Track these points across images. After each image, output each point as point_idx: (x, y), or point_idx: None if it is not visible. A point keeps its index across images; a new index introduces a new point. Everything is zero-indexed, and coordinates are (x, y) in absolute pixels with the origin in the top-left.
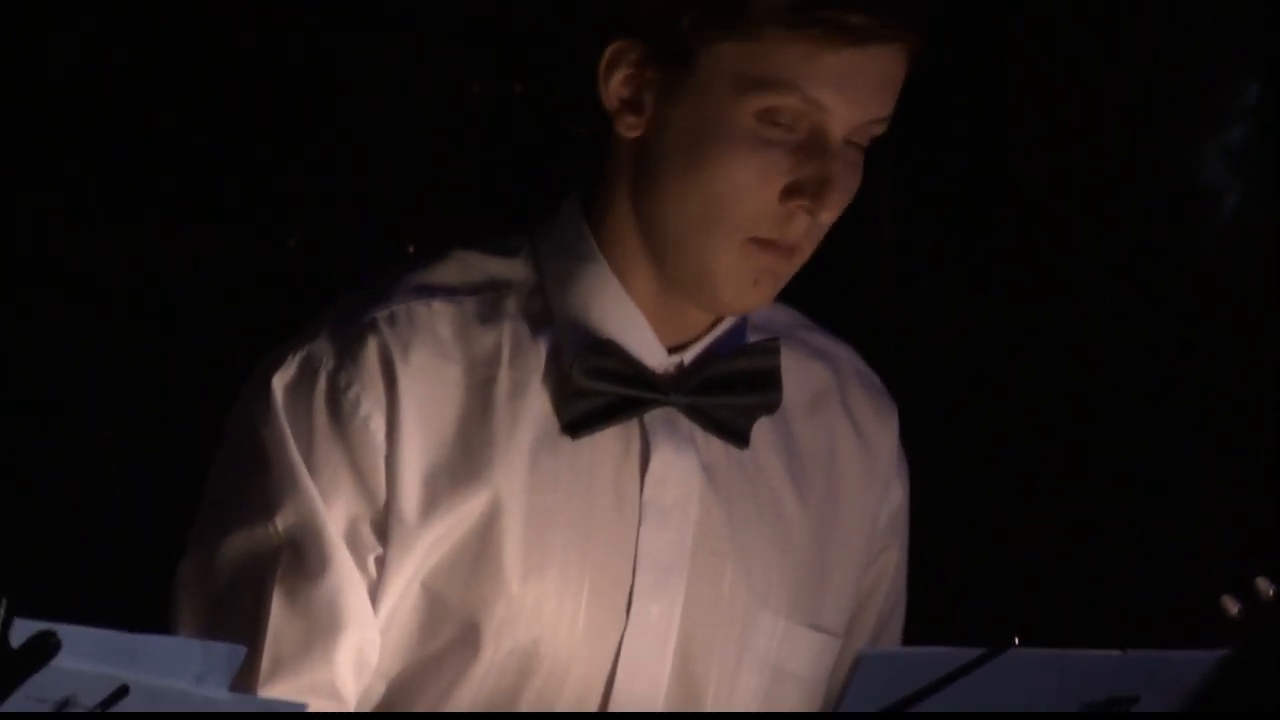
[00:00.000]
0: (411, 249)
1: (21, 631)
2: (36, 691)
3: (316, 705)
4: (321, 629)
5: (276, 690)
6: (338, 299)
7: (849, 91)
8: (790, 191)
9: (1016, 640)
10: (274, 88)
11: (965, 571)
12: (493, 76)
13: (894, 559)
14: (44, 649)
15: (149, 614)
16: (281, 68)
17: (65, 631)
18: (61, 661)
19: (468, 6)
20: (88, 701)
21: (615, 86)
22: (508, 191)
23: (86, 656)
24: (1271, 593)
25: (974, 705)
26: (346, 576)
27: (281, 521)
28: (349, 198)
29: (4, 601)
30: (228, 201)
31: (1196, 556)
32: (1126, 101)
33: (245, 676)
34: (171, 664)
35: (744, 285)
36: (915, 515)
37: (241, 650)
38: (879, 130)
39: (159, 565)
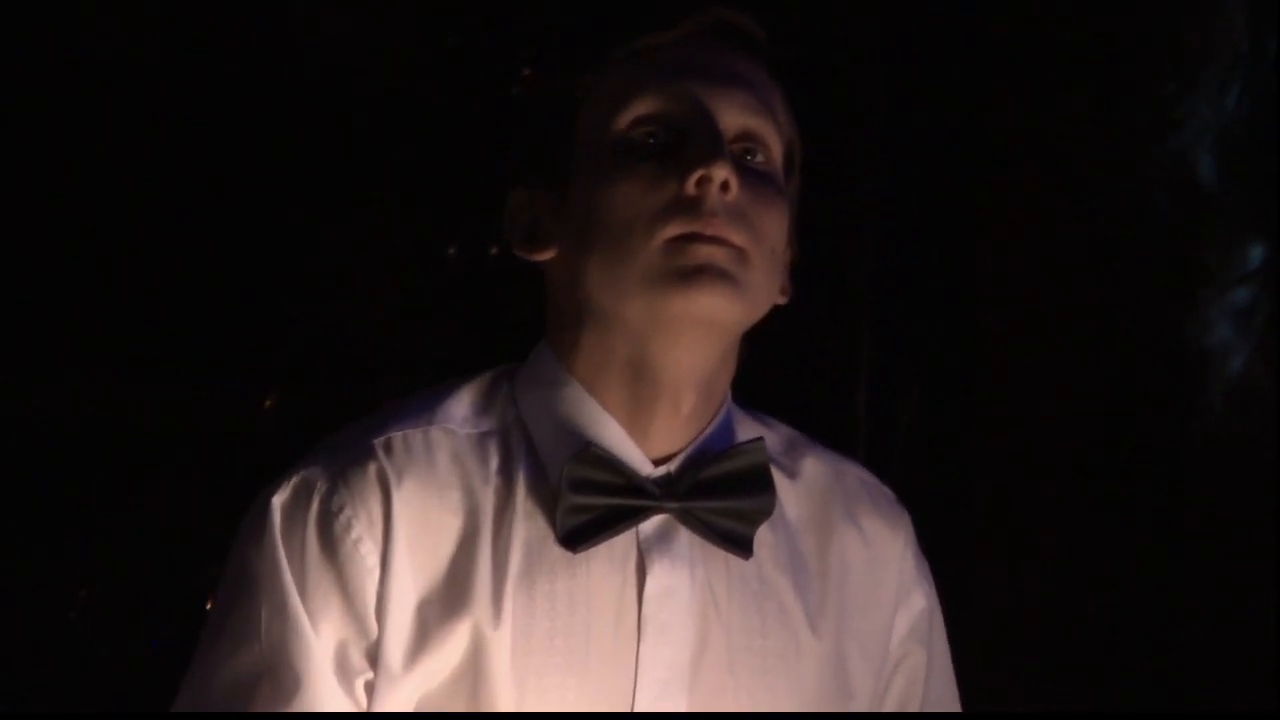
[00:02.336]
0: None
1: None
2: None
3: None
4: None
5: None
6: (334, 433)
7: (695, 78)
8: (683, 175)
9: None
10: (254, 250)
11: None
12: (469, 239)
13: (923, 662)
14: None
15: None
16: (259, 233)
17: None
18: None
19: (443, 173)
20: None
21: (521, 230)
22: (483, 351)
23: None
24: None
25: None
26: (323, 699)
27: (268, 642)
28: (324, 360)
29: None
30: (206, 362)
31: None
32: (1129, 259)
33: None
34: None
35: (687, 282)
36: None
37: None
38: (767, 150)
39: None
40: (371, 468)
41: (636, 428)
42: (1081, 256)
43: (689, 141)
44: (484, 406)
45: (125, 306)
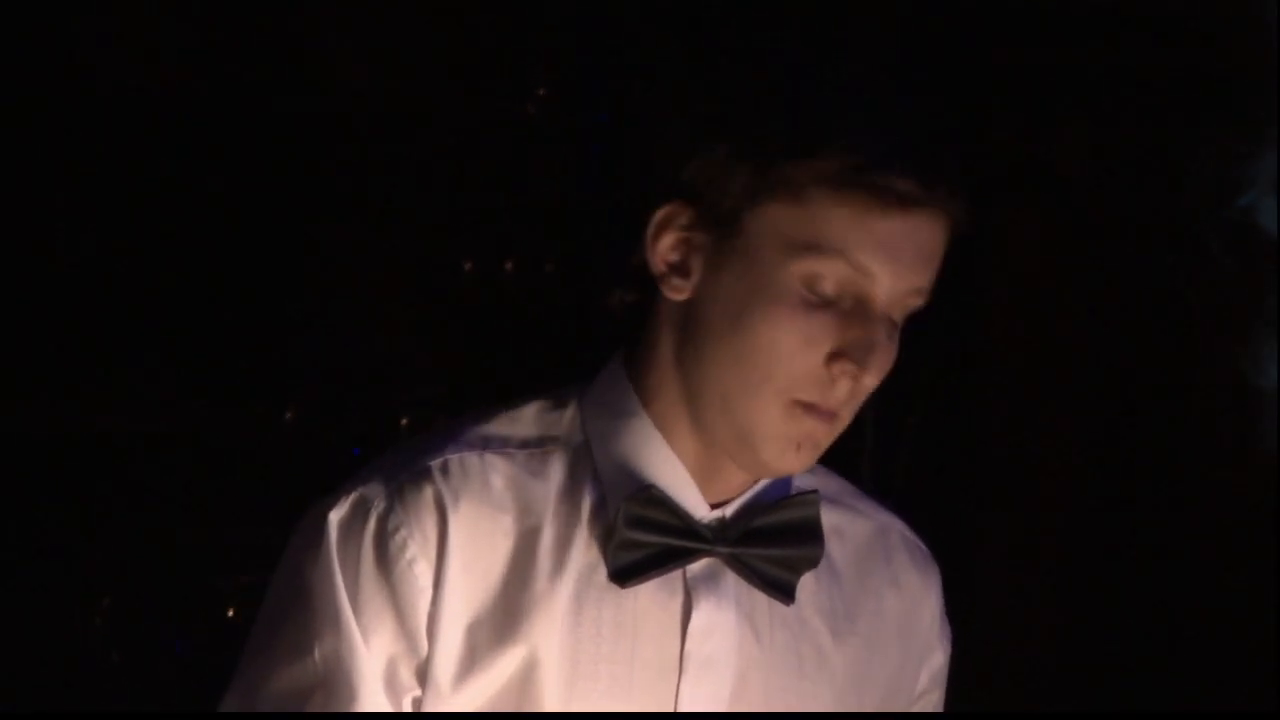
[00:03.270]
0: (405, 422)
1: None
2: None
3: None
4: None
5: None
6: (393, 447)
7: (894, 258)
8: (835, 356)
9: None
10: (272, 265)
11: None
12: (485, 255)
13: (932, 702)
14: None
15: None
16: (278, 246)
17: None
18: None
19: (460, 187)
20: None
21: (663, 250)
22: (498, 364)
23: None
24: None
25: None
26: (376, 711)
27: (319, 655)
28: (343, 373)
29: None
30: (229, 376)
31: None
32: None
33: None
34: None
35: (785, 448)
36: None
37: None
38: (916, 302)
39: None
40: (428, 490)
41: (700, 473)
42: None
43: (858, 321)
44: (548, 426)
45: (149, 322)
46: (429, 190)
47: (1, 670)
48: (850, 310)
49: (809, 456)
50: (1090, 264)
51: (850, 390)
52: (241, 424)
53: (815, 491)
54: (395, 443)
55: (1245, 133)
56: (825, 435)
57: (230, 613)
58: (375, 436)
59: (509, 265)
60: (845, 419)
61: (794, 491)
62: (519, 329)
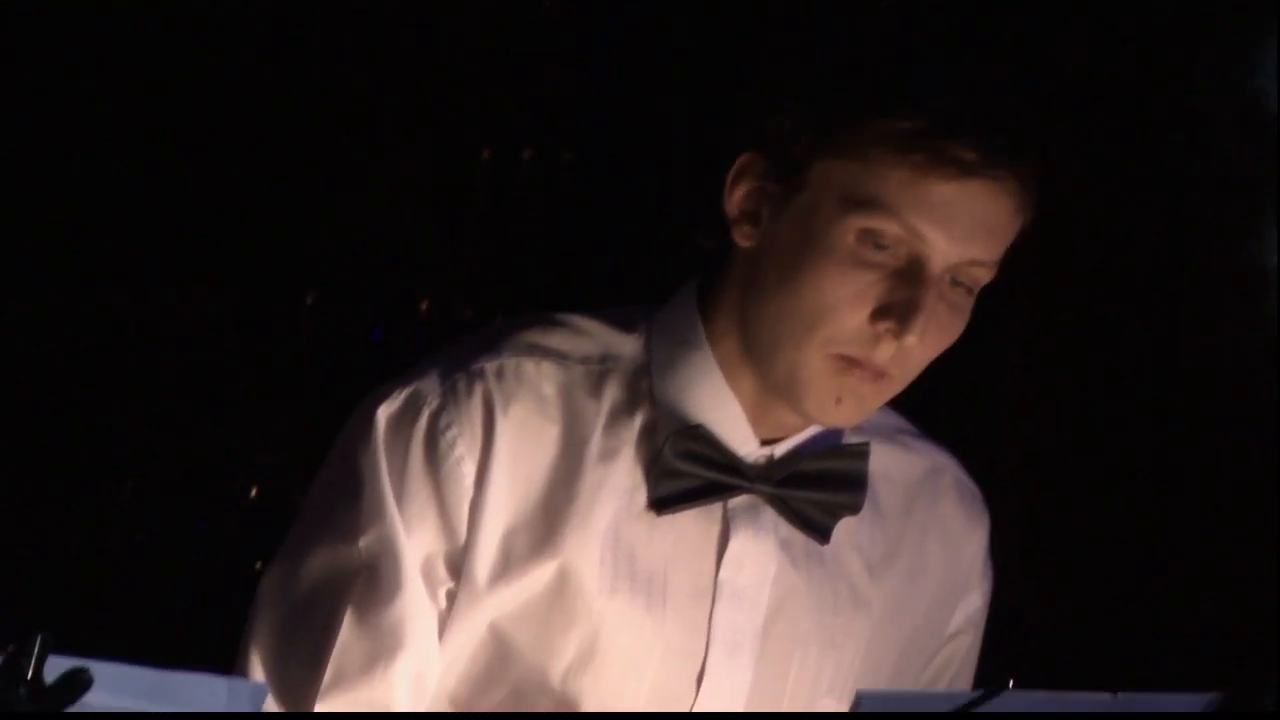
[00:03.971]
0: (424, 306)
1: (55, 667)
2: None
3: None
4: (385, 650)
5: (333, 701)
6: (449, 345)
7: (949, 224)
8: (879, 313)
9: (1011, 683)
10: (294, 150)
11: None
12: (504, 143)
13: (964, 645)
14: (76, 685)
15: (178, 651)
16: (300, 132)
17: (97, 668)
18: (94, 697)
19: (478, 77)
20: None
21: (738, 198)
22: (516, 251)
23: (116, 692)
24: None
25: None
26: (416, 604)
27: (364, 544)
28: (364, 258)
29: (40, 638)
30: (249, 263)
31: (1188, 602)
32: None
33: (306, 684)
34: (199, 700)
35: (826, 401)
36: None
37: (265, 689)
38: (983, 276)
39: (184, 606)
40: (480, 391)
41: (755, 411)
42: (1096, 165)
43: (908, 283)
44: (612, 344)
45: (171, 206)
46: (448, 79)
47: (30, 556)
48: (902, 271)
49: (853, 411)
50: (1097, 146)
51: (895, 351)
52: (264, 308)
53: (867, 444)
54: (413, 327)
55: (1257, 12)
56: (871, 393)
57: (253, 492)
58: (395, 321)
59: (527, 154)
60: (897, 380)
61: (847, 440)
62: (537, 217)
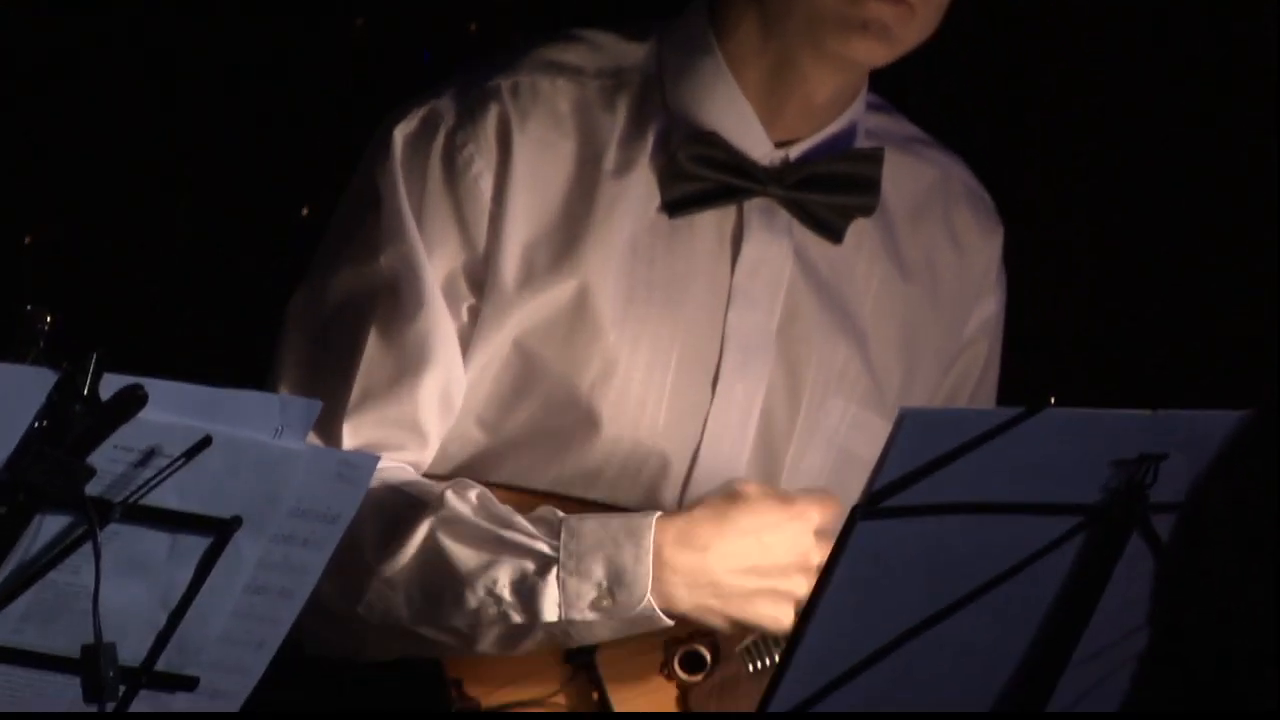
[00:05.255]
0: (473, 28)
1: (111, 385)
2: (124, 441)
3: (397, 438)
4: (410, 365)
5: (362, 419)
6: (464, 65)
7: None
8: None
9: (1052, 400)
10: None
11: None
12: None
13: (980, 356)
14: (132, 401)
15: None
16: None
17: (152, 385)
18: (148, 414)
19: None
20: (172, 451)
21: None
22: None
23: (171, 409)
24: None
25: (1011, 463)
26: (439, 319)
27: (385, 262)
28: None
29: (95, 356)
30: None
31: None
32: None
33: (335, 403)
34: (252, 417)
35: (850, 31)
36: None
37: (317, 405)
38: None
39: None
40: (495, 109)
41: (767, 110)
42: None
43: None
44: (625, 56)
45: None
46: None
47: (89, 273)
48: None
49: (878, 44)
50: None
51: None
52: (313, 31)
53: (881, 148)
54: (463, 50)
55: None
56: (895, 21)
57: (305, 211)
58: (444, 42)
59: None
60: (921, 13)
61: (860, 145)
62: None
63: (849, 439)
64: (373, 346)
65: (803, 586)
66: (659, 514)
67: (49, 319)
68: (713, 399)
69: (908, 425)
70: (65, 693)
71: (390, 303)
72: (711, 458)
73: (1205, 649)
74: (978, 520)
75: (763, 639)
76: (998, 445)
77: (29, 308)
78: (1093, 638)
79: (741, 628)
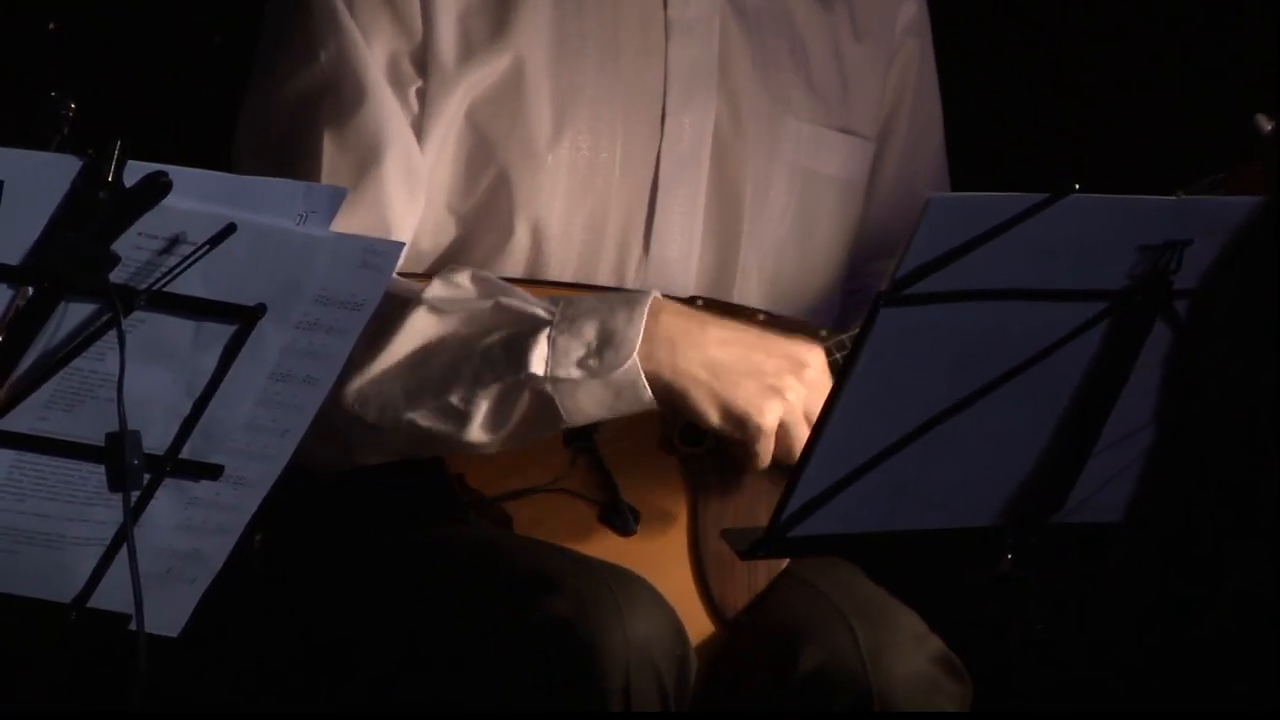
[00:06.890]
0: None
1: (135, 172)
2: (149, 229)
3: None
4: (370, 156)
5: (340, 221)
6: None
7: None
8: None
9: (1077, 186)
10: None
11: (1019, 133)
12: None
13: (913, 56)
14: (156, 188)
15: None
16: None
17: (176, 172)
18: (172, 201)
19: None
20: (197, 238)
21: None
22: None
23: (196, 196)
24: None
25: (1037, 250)
26: (387, 106)
27: (325, 58)
28: None
29: (119, 143)
30: None
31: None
32: None
33: None
34: (276, 204)
35: None
36: (963, 79)
37: (343, 191)
38: None
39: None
40: None
41: None
42: None
43: None
44: None
45: None
46: None
47: (114, 61)
48: None
49: None
50: None
51: None
52: None
53: None
54: None
55: None
56: None
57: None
58: None
59: None
60: None
61: None
62: None
63: (810, 158)
64: (330, 147)
65: (793, 388)
66: (659, 292)
67: (73, 106)
68: (662, 135)
69: (932, 211)
70: (90, 481)
71: (336, 99)
72: (669, 200)
73: (1210, 438)
74: (1002, 307)
75: None
76: (1023, 231)
77: (53, 94)
78: (1116, 424)
79: (722, 413)
